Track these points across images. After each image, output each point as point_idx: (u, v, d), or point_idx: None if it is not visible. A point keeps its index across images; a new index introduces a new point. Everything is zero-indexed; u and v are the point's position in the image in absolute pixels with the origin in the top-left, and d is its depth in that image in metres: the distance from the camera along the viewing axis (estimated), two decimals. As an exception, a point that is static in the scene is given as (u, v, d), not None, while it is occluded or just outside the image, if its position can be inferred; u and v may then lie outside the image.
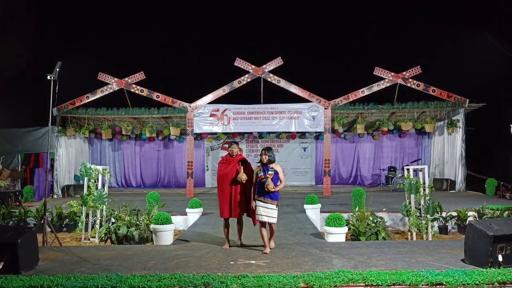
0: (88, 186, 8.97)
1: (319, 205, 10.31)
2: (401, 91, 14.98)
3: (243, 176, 6.44)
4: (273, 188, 6.15)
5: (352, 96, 14.89)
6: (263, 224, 6.29)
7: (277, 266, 5.53)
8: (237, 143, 6.90)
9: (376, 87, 14.74)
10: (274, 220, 6.28)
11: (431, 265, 5.44)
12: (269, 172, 6.17)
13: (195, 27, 23.46)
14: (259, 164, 6.36)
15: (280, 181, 6.30)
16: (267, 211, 6.18)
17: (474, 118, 15.57)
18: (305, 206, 10.35)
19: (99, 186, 9.15)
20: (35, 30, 17.70)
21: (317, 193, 12.53)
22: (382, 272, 5.00)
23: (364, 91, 14.80)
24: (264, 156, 6.26)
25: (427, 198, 8.64)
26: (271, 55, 14.95)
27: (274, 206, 6.21)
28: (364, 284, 4.75)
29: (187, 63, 21.61)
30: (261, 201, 6.22)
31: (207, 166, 19.02)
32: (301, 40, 23.28)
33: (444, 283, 4.71)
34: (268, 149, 6.31)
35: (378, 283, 4.73)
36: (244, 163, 6.68)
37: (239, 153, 6.81)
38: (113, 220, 9.02)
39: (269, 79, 14.86)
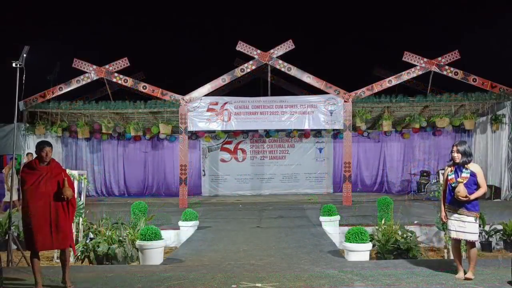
0: (62, 195, 8.97)
1: (337, 217, 10.28)
2: (435, 80, 14.90)
3: (68, 192, 5.72)
4: (466, 196, 5.68)
5: (377, 87, 14.81)
6: (457, 241, 5.98)
7: (288, 290, 5.50)
8: (50, 145, 5.91)
9: (405, 76, 14.67)
10: (474, 237, 5.85)
11: (473, 289, 5.41)
12: (463, 175, 5.75)
13: (189, 8, 23.48)
14: (450, 163, 5.98)
15: (479, 186, 5.79)
16: (462, 225, 5.76)
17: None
18: (321, 218, 10.33)
19: (75, 195, 9.15)
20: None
21: (335, 202, 12.51)
22: (414, 298, 4.97)
23: (392, 81, 14.72)
24: (456, 154, 5.81)
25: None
26: (280, 40, 14.81)
27: (472, 219, 5.75)
28: (392, 312, 4.72)
29: (180, 50, 21.64)
30: (452, 212, 5.86)
31: (203, 170, 19.03)
32: (315, 22, 23.28)
33: (489, 311, 4.67)
34: (461, 144, 5.85)
35: (409, 311, 4.70)
36: (61, 171, 5.94)
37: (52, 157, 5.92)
38: (91, 235, 9.02)
39: (277, 66, 14.79)
